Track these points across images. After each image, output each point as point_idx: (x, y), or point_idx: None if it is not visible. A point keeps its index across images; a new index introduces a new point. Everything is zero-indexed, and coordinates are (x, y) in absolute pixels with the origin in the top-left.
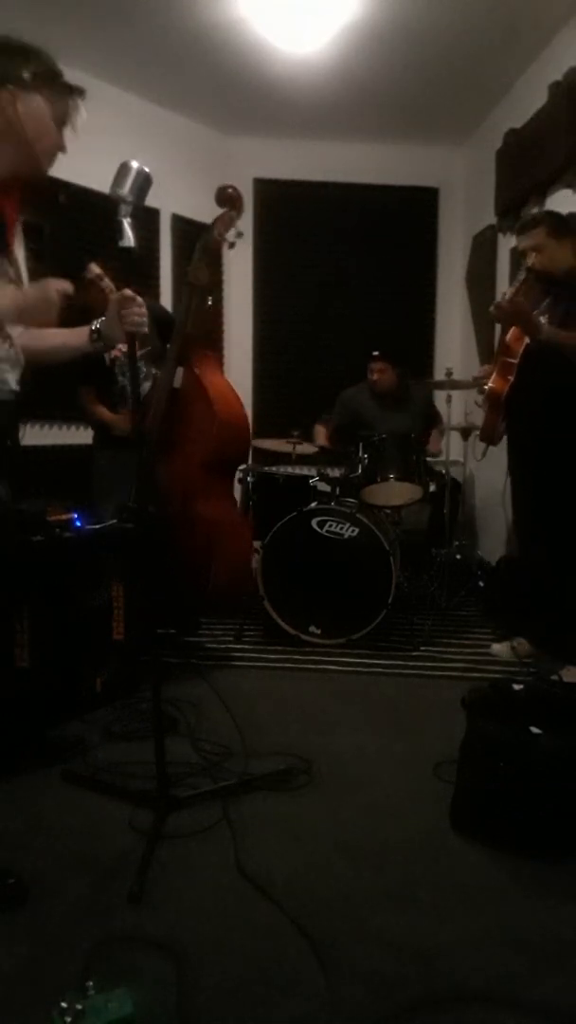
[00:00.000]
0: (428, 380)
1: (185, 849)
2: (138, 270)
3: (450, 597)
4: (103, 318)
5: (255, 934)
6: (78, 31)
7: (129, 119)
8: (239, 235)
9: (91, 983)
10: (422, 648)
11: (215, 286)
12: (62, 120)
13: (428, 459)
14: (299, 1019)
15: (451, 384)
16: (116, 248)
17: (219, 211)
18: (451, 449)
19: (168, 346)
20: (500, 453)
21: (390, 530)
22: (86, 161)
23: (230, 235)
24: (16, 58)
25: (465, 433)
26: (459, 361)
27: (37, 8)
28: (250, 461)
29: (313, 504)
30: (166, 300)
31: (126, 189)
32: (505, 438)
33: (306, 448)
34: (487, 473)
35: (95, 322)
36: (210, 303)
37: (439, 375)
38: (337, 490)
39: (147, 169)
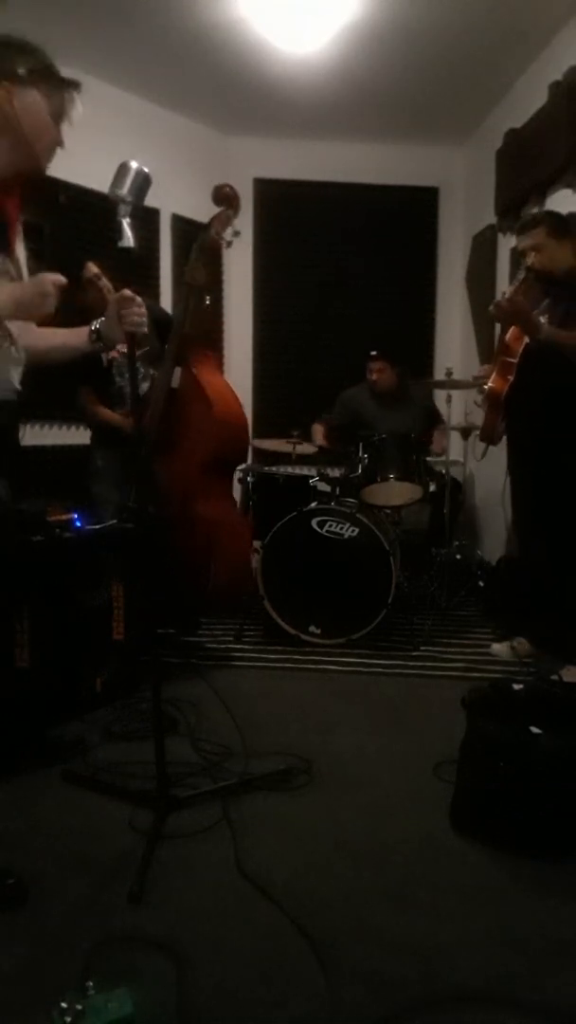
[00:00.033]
0: (428, 380)
1: (185, 849)
2: (138, 270)
3: (450, 597)
4: (103, 318)
5: (255, 934)
6: (78, 31)
7: (129, 119)
8: (236, 234)
9: (91, 983)
10: (422, 648)
11: (214, 286)
12: (59, 115)
13: (428, 459)
14: (299, 1019)
15: (451, 384)
16: (116, 248)
17: (216, 210)
18: (451, 449)
19: (166, 346)
20: (500, 453)
21: (390, 530)
22: (86, 161)
23: (227, 234)
24: (11, 54)
25: (465, 433)
26: (459, 361)
27: (37, 8)
28: (250, 461)
29: (313, 504)
30: (166, 300)
31: (125, 189)
32: (505, 438)
33: (306, 448)
34: (487, 473)
35: (95, 322)
36: (208, 302)
37: (439, 375)
38: (337, 490)
39: (147, 169)
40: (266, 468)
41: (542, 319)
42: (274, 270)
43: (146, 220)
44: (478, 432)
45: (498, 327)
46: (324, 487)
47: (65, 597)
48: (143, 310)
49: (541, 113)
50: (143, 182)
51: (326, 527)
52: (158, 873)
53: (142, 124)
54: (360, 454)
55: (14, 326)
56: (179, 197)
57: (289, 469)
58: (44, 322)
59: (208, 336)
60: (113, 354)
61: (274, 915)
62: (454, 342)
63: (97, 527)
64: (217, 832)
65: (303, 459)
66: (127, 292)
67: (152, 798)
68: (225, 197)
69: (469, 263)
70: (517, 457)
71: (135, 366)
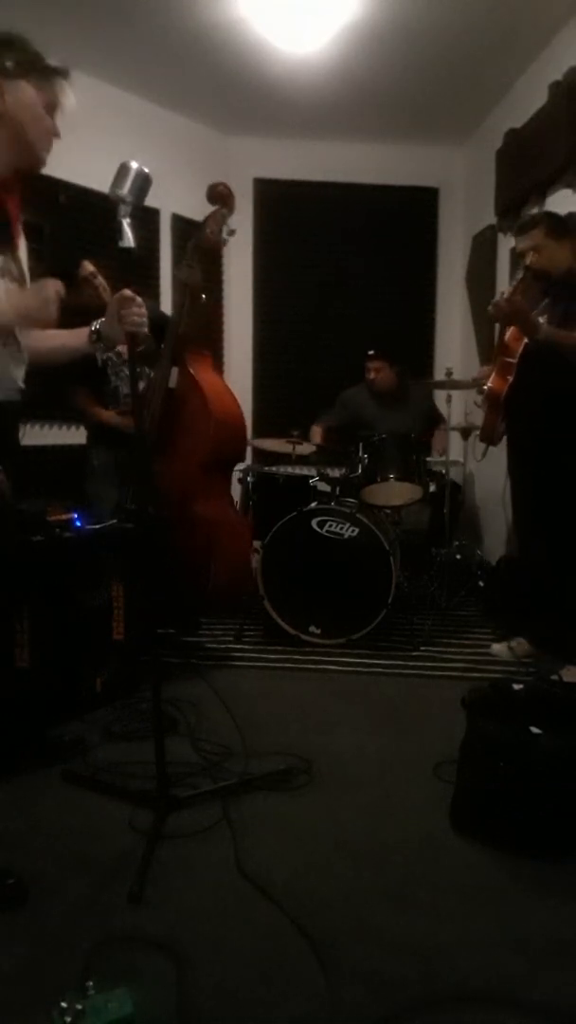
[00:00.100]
0: (428, 380)
1: (185, 849)
2: (137, 270)
3: (450, 597)
4: (103, 319)
5: (255, 934)
6: (78, 31)
7: (129, 119)
8: (231, 233)
9: (91, 983)
10: (422, 648)
11: (212, 285)
12: (52, 105)
13: (428, 459)
14: (299, 1019)
15: (451, 384)
16: (116, 248)
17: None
18: (451, 449)
19: (162, 346)
20: (500, 453)
21: (390, 530)
22: (86, 161)
23: (222, 233)
24: None
25: (465, 433)
26: (459, 361)
27: (37, 8)
28: (250, 461)
29: (313, 504)
30: (166, 300)
31: (126, 189)
32: (505, 438)
33: (306, 448)
34: (487, 473)
35: (95, 323)
36: (203, 299)
37: (439, 375)
38: (337, 490)
39: (147, 169)
40: (266, 468)
41: (541, 319)
42: (274, 270)
43: (146, 220)
44: (478, 432)
45: (497, 327)
46: (324, 487)
47: (65, 597)
48: (143, 310)
49: (541, 113)
50: (143, 182)
51: (326, 527)
52: (158, 873)
53: (142, 124)
54: (360, 454)
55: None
56: (179, 197)
57: (289, 469)
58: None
59: (206, 336)
60: (107, 353)
61: (274, 915)
62: (454, 342)
63: (97, 527)
64: (217, 832)
65: (303, 459)
66: (127, 292)
67: (152, 798)
68: (219, 196)
69: (469, 263)
70: (517, 457)
71: (135, 366)
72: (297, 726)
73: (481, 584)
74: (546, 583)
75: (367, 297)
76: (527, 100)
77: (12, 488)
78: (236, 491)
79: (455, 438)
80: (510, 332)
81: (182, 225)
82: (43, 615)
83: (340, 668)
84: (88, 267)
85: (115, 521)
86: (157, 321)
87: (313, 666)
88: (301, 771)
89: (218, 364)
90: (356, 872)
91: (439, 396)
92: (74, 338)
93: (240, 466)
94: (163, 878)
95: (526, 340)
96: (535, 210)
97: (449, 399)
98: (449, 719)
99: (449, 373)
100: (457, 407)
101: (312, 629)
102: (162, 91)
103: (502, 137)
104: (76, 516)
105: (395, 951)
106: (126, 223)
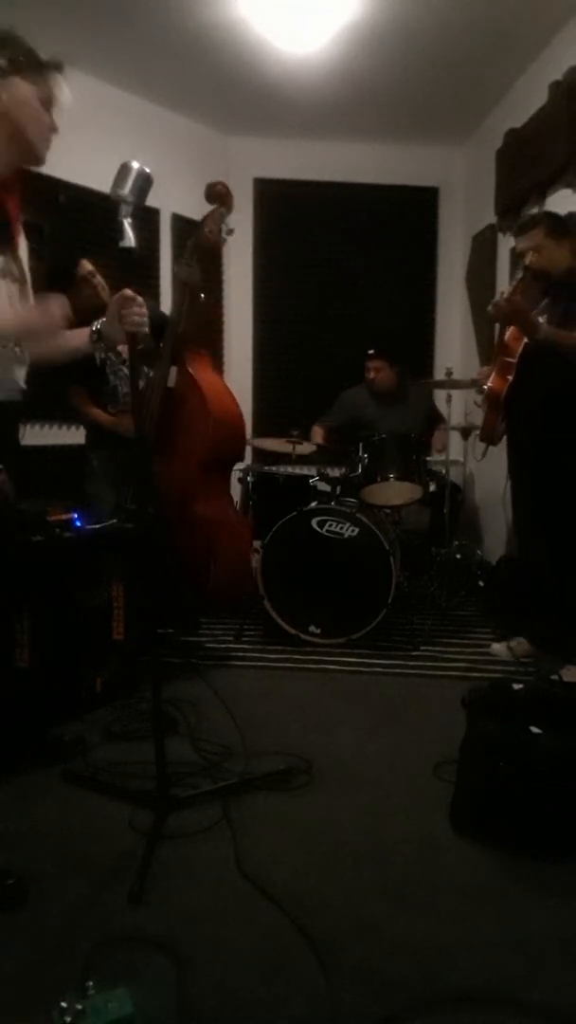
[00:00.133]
0: (428, 380)
1: (185, 849)
2: (138, 270)
3: (450, 597)
4: (103, 319)
5: (255, 934)
6: (78, 31)
7: (129, 119)
8: (230, 232)
9: (91, 983)
10: (422, 648)
11: (212, 285)
12: (48, 100)
13: (428, 459)
14: (299, 1019)
15: (451, 384)
16: (117, 248)
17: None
18: (451, 449)
19: (161, 345)
20: (500, 453)
21: (390, 530)
22: (86, 161)
23: (221, 232)
24: None
25: (465, 433)
26: (459, 361)
27: (37, 8)
28: (249, 461)
29: (313, 504)
30: (165, 300)
31: (126, 189)
32: (505, 438)
33: (306, 448)
34: (487, 473)
35: (96, 323)
36: (203, 298)
37: (439, 375)
38: (337, 490)
39: (147, 169)
40: (266, 468)
41: (541, 319)
42: (274, 270)
43: (146, 220)
44: (478, 432)
45: (497, 327)
46: (324, 487)
47: (65, 597)
48: (144, 310)
49: (541, 113)
50: (144, 182)
51: (326, 527)
52: (158, 873)
53: (142, 124)
54: (360, 454)
55: None
56: (179, 197)
57: (289, 469)
58: None
59: (206, 335)
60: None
61: (274, 915)
62: (454, 342)
63: (97, 527)
64: (217, 832)
65: (303, 459)
66: (128, 292)
67: (152, 798)
68: (217, 195)
69: (469, 263)
70: (517, 457)
71: (136, 366)
72: (297, 726)
73: (481, 584)
74: (546, 583)
75: (367, 297)
76: (527, 100)
77: (14, 488)
78: (236, 491)
79: (455, 438)
80: (510, 332)
81: (182, 225)
82: (43, 615)
83: (340, 668)
84: (86, 266)
85: (115, 521)
86: (156, 321)
87: (313, 666)
88: (301, 771)
89: (218, 364)
90: (356, 872)
91: (439, 396)
92: (75, 338)
93: (240, 466)
94: (163, 878)
95: (526, 340)
96: (535, 210)
97: (449, 399)
98: (449, 719)
99: (449, 373)
100: (457, 407)
101: (312, 629)
102: (162, 91)
103: (502, 137)
104: (76, 516)
105: (395, 951)
106: (127, 223)
